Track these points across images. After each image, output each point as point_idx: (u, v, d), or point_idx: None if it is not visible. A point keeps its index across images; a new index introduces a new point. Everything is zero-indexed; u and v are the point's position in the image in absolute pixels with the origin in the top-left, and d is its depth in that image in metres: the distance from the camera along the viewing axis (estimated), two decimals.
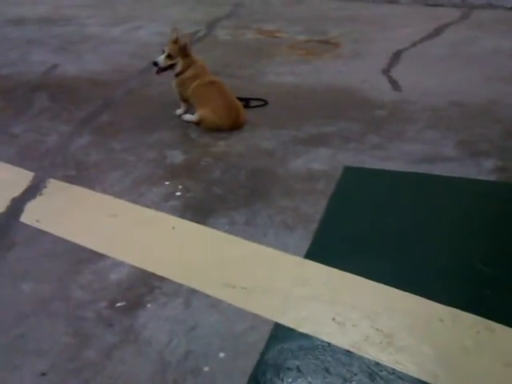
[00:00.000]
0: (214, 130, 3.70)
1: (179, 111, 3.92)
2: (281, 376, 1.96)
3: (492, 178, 3.11)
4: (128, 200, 3.00)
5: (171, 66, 3.78)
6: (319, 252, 2.55)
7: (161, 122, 3.88)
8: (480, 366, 1.95)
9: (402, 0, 6.77)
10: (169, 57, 3.73)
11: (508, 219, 2.79)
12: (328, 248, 2.60)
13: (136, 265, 2.51)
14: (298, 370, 1.98)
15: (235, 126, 3.73)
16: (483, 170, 3.19)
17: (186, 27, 5.86)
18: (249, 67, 4.80)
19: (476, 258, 2.48)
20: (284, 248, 2.59)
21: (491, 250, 2.56)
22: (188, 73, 3.79)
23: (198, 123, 3.78)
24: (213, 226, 2.77)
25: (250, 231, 2.72)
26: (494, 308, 2.18)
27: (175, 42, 3.74)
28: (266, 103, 4.08)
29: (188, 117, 3.86)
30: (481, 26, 5.87)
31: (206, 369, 1.99)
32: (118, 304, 2.28)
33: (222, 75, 4.00)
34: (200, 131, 3.74)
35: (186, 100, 3.87)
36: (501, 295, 2.26)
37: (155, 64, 3.74)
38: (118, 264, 2.52)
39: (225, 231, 2.73)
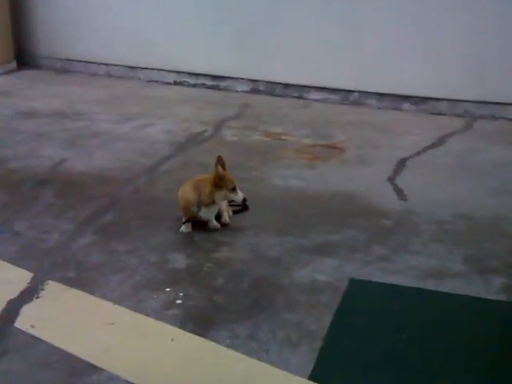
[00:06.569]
0: None
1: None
2: None
3: (501, 297, 3.05)
4: (127, 307, 2.91)
5: None
6: (324, 373, 2.44)
7: (165, 223, 3.86)
8: None
9: (406, 107, 6.92)
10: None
11: None
12: (333, 369, 2.49)
13: (130, 379, 2.40)
14: None
15: None
16: (492, 288, 3.13)
17: (193, 126, 5.97)
18: (255, 170, 4.83)
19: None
20: (287, 367, 2.48)
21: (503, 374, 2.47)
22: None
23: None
24: (214, 339, 2.67)
25: (252, 346, 2.63)
26: None
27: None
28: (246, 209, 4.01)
29: (214, 224, 3.79)
30: (484, 136, 5.95)
31: None
32: None
33: None
34: (204, 234, 3.70)
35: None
36: None
37: (245, 200, 3.71)
38: (113, 378, 2.41)
39: (226, 345, 2.63)
